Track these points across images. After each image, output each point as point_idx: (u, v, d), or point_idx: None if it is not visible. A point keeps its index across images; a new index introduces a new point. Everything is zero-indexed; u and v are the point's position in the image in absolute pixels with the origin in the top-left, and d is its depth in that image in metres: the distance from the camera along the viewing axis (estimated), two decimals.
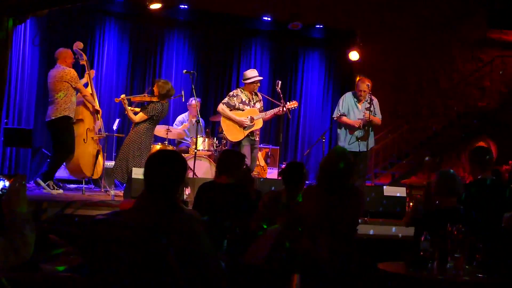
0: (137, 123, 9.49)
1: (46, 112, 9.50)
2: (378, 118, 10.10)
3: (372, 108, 9.99)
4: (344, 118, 10.02)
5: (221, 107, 9.98)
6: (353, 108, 10.11)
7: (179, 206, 3.44)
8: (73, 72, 9.40)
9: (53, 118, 9.25)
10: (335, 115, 10.30)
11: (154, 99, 9.49)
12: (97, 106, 10.00)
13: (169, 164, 3.47)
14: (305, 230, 5.14)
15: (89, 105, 9.80)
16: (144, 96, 9.63)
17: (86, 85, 9.92)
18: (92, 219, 3.36)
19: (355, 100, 10.15)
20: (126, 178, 9.11)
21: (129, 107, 9.70)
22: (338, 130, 10.26)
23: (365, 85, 10.05)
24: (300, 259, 4.81)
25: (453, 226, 4.67)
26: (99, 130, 10.17)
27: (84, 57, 9.99)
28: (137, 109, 9.69)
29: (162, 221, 3.22)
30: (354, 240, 5.17)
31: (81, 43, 10.01)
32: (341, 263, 4.88)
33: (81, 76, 9.96)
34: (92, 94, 9.90)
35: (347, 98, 10.25)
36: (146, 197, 3.37)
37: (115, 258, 3.17)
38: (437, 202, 5.43)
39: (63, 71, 9.30)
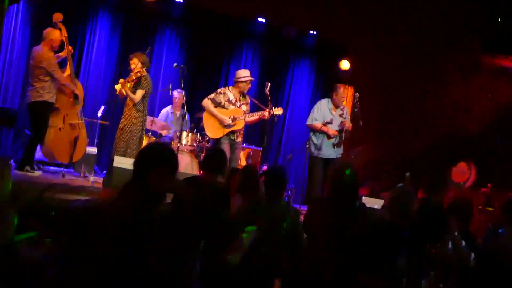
0: (136, 103, 9.37)
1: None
2: (349, 124, 10.33)
3: (344, 115, 10.17)
4: (324, 128, 10.13)
5: (206, 102, 9.96)
6: (328, 115, 10.23)
7: (163, 202, 3.42)
8: (51, 58, 9.24)
9: (32, 101, 9.17)
10: (309, 122, 10.41)
11: (143, 72, 9.41)
12: (76, 91, 9.83)
13: (168, 163, 3.45)
14: (310, 243, 5.18)
15: (66, 90, 9.67)
16: (132, 76, 9.48)
17: (65, 63, 9.80)
18: (72, 205, 3.34)
19: (330, 107, 10.29)
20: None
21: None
22: (313, 137, 10.33)
23: (346, 91, 10.26)
24: (278, 265, 4.83)
25: (431, 245, 4.70)
26: (80, 115, 10.03)
27: (64, 31, 9.65)
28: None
29: (144, 215, 3.20)
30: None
31: (61, 15, 9.67)
32: (344, 276, 4.91)
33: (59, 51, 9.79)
34: (70, 75, 9.75)
35: (323, 106, 10.38)
36: (132, 188, 3.35)
37: (93, 247, 3.15)
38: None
39: (42, 55, 9.15)
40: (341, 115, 10.28)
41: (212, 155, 6.36)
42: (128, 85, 9.31)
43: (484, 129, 14.60)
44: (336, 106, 10.35)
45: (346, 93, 10.47)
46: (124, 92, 9.37)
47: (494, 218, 11.08)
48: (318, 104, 10.56)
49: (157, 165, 3.41)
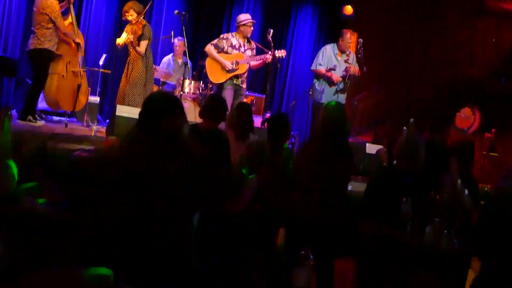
0: (142, 55, 9.50)
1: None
2: (357, 69, 10.21)
3: (350, 61, 10.10)
4: (328, 73, 10.07)
5: (209, 48, 9.95)
6: (333, 61, 10.18)
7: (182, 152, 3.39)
8: (55, 5, 9.11)
9: (32, 48, 9.10)
10: (314, 67, 10.36)
11: (143, 22, 9.45)
12: (78, 39, 9.78)
13: (179, 111, 3.43)
14: (298, 185, 5.14)
15: (68, 39, 9.60)
16: (137, 31, 9.45)
17: (66, 12, 9.67)
18: (74, 154, 3.31)
19: (336, 52, 10.22)
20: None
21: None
22: (316, 83, 10.28)
23: (353, 37, 10.17)
24: (281, 213, 4.82)
25: (435, 191, 4.69)
26: (81, 63, 9.98)
27: None
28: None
29: (157, 164, 3.17)
30: (345, 198, 5.18)
31: None
32: (331, 219, 4.90)
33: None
34: (72, 23, 9.67)
35: (328, 51, 10.32)
36: (142, 138, 3.31)
37: (96, 197, 3.13)
38: (395, 162, 5.42)
39: (46, 1, 9.05)
40: (346, 61, 10.22)
41: (211, 102, 6.29)
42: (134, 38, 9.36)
43: (488, 74, 14.51)
44: (342, 51, 10.29)
45: (352, 39, 10.35)
46: (131, 47, 9.40)
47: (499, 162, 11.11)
48: (323, 49, 10.50)
49: (169, 113, 3.37)
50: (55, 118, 10.53)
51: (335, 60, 10.20)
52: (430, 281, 4.66)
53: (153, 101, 3.50)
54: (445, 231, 4.63)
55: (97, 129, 9.16)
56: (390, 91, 14.31)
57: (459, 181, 5.10)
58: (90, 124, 9.90)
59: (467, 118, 13.15)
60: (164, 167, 3.21)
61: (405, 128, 5.66)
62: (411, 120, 10.68)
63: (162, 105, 3.38)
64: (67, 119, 9.85)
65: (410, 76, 14.85)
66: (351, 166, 5.25)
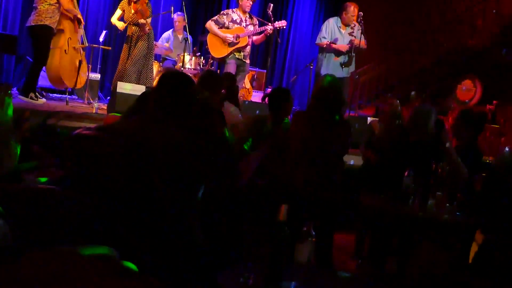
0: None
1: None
2: (363, 41, 10.12)
3: (354, 33, 10.03)
4: (333, 45, 10.01)
5: (209, 23, 9.90)
6: (336, 34, 10.12)
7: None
8: None
9: (33, 24, 9.06)
10: (318, 41, 10.30)
11: (145, 0, 9.52)
12: (79, 15, 9.76)
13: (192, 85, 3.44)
14: (287, 156, 5.12)
15: (70, 15, 9.58)
16: (145, 13, 9.49)
17: None
18: (75, 132, 3.30)
19: (339, 25, 10.15)
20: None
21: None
22: (320, 55, 10.23)
23: (356, 10, 10.08)
24: (282, 186, 4.81)
25: (437, 164, 4.68)
26: (81, 39, 9.97)
27: None
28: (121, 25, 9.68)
29: (160, 139, 3.17)
30: (340, 171, 5.16)
31: None
32: (321, 192, 4.89)
33: None
34: (72, 0, 9.65)
35: (331, 24, 10.24)
36: (152, 115, 3.30)
37: (97, 173, 3.12)
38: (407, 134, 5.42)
39: None
40: (350, 34, 10.13)
41: (206, 76, 6.26)
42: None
43: (489, 45, 14.44)
44: (346, 24, 10.19)
45: (355, 12, 10.25)
46: (132, 25, 9.48)
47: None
48: (326, 22, 10.41)
49: (185, 86, 3.38)
50: (56, 95, 10.51)
51: (338, 33, 10.12)
52: (433, 254, 4.67)
53: (170, 75, 3.52)
54: (447, 204, 4.63)
55: (98, 106, 9.14)
56: (391, 63, 14.28)
57: (454, 153, 5.10)
58: (91, 101, 9.88)
59: (468, 90, 13.10)
60: (168, 140, 3.20)
61: (389, 95, 5.66)
62: (412, 93, 10.66)
63: (179, 79, 3.40)
64: (68, 96, 9.81)
65: (410, 48, 14.80)
66: (345, 138, 5.22)
